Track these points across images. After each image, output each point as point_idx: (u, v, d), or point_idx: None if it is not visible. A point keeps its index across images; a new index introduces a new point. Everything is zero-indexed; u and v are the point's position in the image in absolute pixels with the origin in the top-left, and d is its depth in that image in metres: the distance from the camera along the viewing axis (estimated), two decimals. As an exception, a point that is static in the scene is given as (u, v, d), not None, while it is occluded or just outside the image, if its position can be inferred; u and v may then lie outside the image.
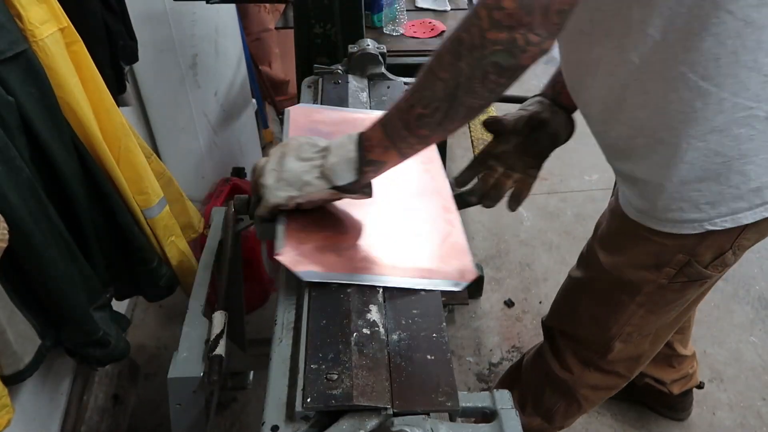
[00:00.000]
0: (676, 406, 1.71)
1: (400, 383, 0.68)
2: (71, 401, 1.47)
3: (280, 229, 0.85)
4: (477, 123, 2.09)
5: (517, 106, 1.17)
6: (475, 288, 2.08)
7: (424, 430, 0.64)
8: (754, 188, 0.84)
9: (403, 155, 0.80)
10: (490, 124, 1.14)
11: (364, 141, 0.80)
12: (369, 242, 0.88)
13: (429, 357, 0.72)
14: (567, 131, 1.13)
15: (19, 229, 0.95)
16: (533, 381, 1.37)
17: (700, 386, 1.71)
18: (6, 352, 1.01)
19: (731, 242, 0.92)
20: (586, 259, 1.17)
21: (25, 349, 1.06)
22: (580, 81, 0.96)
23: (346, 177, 0.81)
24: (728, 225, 0.88)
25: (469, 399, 0.71)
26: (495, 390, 0.72)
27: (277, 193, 0.83)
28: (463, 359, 1.92)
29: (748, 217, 0.87)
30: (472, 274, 0.84)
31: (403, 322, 0.76)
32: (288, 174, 0.83)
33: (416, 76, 0.74)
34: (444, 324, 0.76)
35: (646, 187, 0.91)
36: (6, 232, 0.89)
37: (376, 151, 0.79)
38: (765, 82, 0.76)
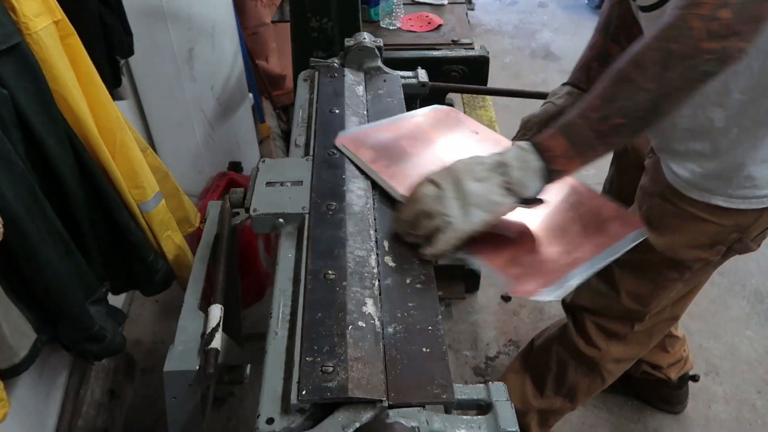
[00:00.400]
0: (672, 399, 1.72)
1: (396, 376, 0.68)
2: (68, 395, 1.46)
3: (481, 263, 0.83)
4: (474, 118, 2.08)
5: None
6: (472, 282, 2.08)
7: (419, 423, 0.64)
8: None
9: (586, 163, 0.80)
10: (526, 129, 1.16)
11: (544, 152, 0.79)
12: (542, 243, 0.87)
13: (424, 350, 0.72)
14: None
15: (14, 224, 0.94)
16: (553, 362, 1.39)
17: (696, 379, 1.72)
18: (1, 347, 1.01)
19: None
20: None
21: (21, 343, 1.05)
22: None
23: (534, 188, 0.80)
24: None
25: (464, 391, 0.71)
26: (490, 382, 0.72)
27: (470, 220, 0.79)
28: (460, 353, 1.92)
29: None
30: (636, 216, 0.90)
31: (399, 315, 0.76)
32: (476, 198, 0.79)
33: (607, 88, 0.75)
34: (440, 317, 0.76)
35: (722, 166, 0.94)
36: (1, 226, 0.89)
37: (560, 161, 0.79)
38: None
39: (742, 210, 0.97)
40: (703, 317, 2.03)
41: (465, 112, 2.06)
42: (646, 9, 0.92)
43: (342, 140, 1.05)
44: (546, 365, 1.41)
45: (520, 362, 1.51)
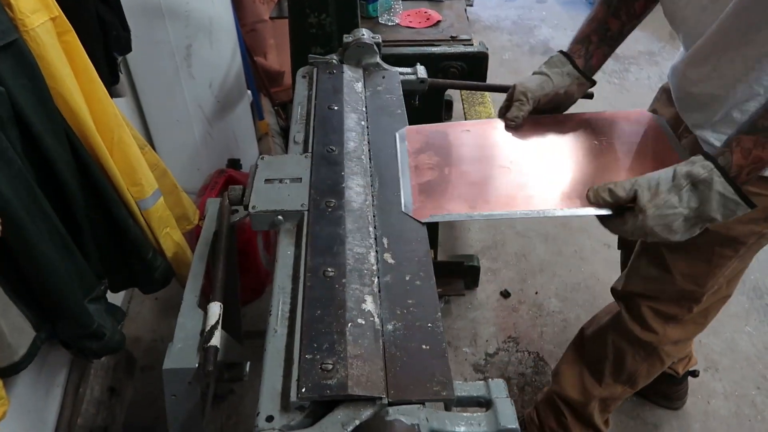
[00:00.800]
0: (672, 395, 1.73)
1: (395, 373, 0.68)
2: (67, 393, 1.47)
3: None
4: (473, 114, 2.09)
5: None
6: (471, 279, 2.08)
7: (419, 420, 0.64)
8: None
9: None
10: (519, 101, 1.15)
11: (747, 168, 0.85)
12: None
13: (424, 347, 0.72)
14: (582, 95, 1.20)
15: (12, 222, 0.94)
16: (610, 351, 1.39)
17: (695, 375, 1.72)
18: (0, 345, 1.01)
19: None
20: None
21: (20, 341, 1.05)
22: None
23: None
24: None
25: (464, 388, 0.71)
26: (490, 379, 0.72)
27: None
28: (460, 350, 1.92)
29: None
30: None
31: (398, 312, 0.76)
32: (675, 238, 0.90)
33: None
34: (439, 314, 0.76)
35: None
36: (-1, 223, 0.89)
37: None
38: None
39: None
40: (702, 313, 2.03)
41: (464, 109, 2.06)
42: None
43: (409, 129, 1.12)
44: (602, 354, 1.41)
45: (573, 354, 1.51)
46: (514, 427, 0.67)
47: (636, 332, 1.32)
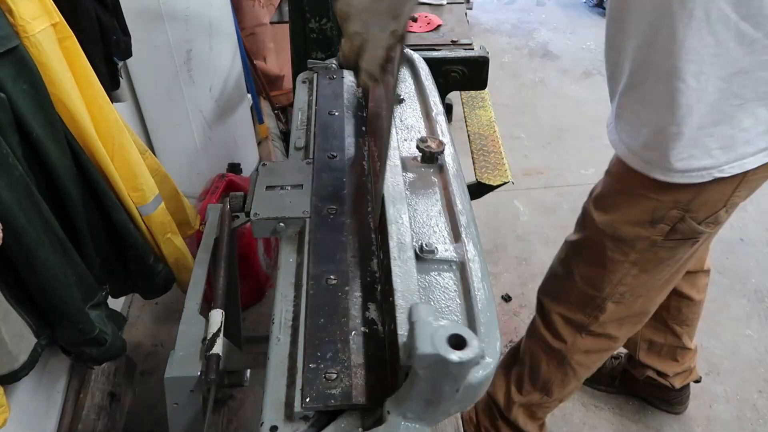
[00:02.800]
0: (674, 400, 1.72)
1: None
2: (67, 399, 1.46)
3: None
4: (474, 118, 2.08)
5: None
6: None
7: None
8: (761, 131, 0.89)
9: None
10: None
11: None
12: None
13: (428, 355, 0.71)
14: None
15: (13, 228, 0.94)
16: (529, 358, 1.41)
17: (698, 380, 1.72)
18: (1, 352, 1.01)
19: (725, 199, 0.98)
20: (581, 222, 1.22)
21: (21, 348, 1.05)
22: (621, 17, 0.98)
23: None
24: (735, 171, 0.93)
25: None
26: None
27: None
28: (461, 354, 1.92)
29: (752, 162, 0.92)
30: None
31: (402, 320, 0.76)
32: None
33: None
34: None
35: (660, 136, 0.94)
36: (0, 230, 0.89)
37: None
38: None
39: (680, 185, 0.97)
40: (703, 317, 2.01)
41: (464, 112, 2.05)
42: None
43: None
44: (523, 361, 1.43)
45: (506, 359, 1.53)
46: None
47: (548, 339, 1.34)
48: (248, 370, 1.39)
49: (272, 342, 0.74)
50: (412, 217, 0.85)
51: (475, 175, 1.69)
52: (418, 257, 0.77)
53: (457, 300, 0.73)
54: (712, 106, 0.88)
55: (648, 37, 0.90)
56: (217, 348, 0.84)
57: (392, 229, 0.79)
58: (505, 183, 1.69)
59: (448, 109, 2.41)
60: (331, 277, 0.80)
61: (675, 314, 1.53)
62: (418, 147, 0.96)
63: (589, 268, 1.20)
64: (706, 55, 0.84)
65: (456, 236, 0.83)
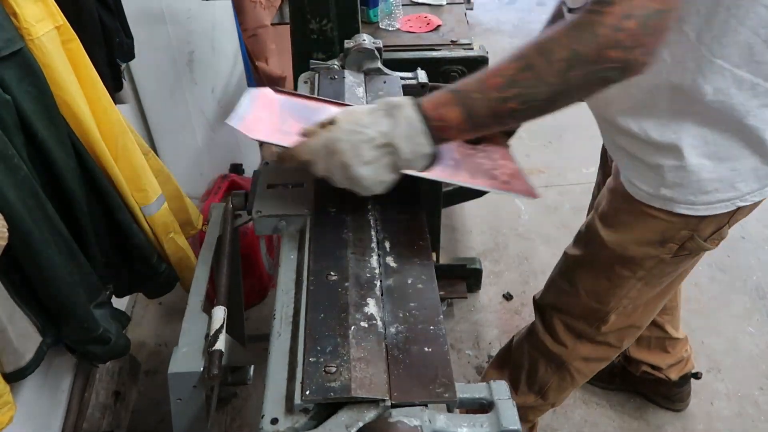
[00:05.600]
0: (674, 396, 1.73)
1: (398, 375, 0.69)
2: (72, 398, 1.47)
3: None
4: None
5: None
6: (473, 282, 2.09)
7: (422, 421, 0.65)
8: None
9: (476, 134, 0.84)
10: None
11: (435, 121, 0.78)
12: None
13: (426, 349, 0.72)
14: None
15: (18, 228, 0.95)
16: (526, 360, 1.41)
17: (698, 377, 1.72)
18: (7, 350, 1.02)
19: (729, 217, 0.99)
20: (585, 236, 1.20)
21: (26, 346, 1.06)
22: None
23: (421, 166, 0.82)
24: (756, 199, 0.95)
25: (466, 390, 0.71)
26: (492, 381, 0.73)
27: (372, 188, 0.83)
28: (462, 352, 1.93)
29: None
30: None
31: (401, 315, 0.77)
32: (365, 182, 0.82)
33: (510, 69, 0.74)
34: (441, 316, 0.77)
35: (681, 173, 0.94)
36: (5, 230, 0.90)
37: (451, 132, 0.79)
38: None
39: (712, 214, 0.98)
40: (704, 314, 2.03)
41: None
42: (572, 11, 0.93)
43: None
44: (520, 362, 1.42)
45: (499, 360, 1.53)
46: (516, 428, 0.67)
47: (547, 343, 1.33)
48: (252, 369, 1.41)
49: (273, 336, 0.76)
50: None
51: (476, 174, 1.70)
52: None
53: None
54: (732, 146, 0.89)
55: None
56: (220, 344, 0.85)
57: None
58: (505, 182, 1.69)
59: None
60: (332, 273, 0.81)
61: None
62: None
63: (595, 282, 1.19)
64: (712, 102, 0.86)
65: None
